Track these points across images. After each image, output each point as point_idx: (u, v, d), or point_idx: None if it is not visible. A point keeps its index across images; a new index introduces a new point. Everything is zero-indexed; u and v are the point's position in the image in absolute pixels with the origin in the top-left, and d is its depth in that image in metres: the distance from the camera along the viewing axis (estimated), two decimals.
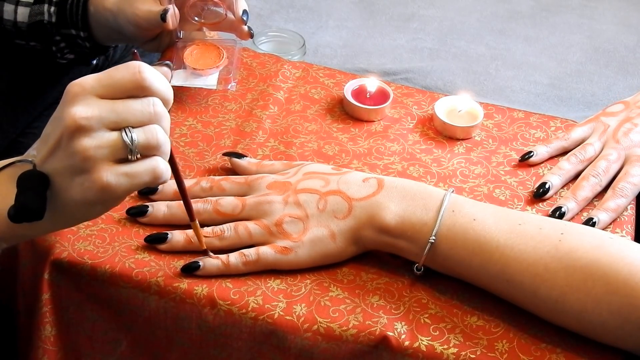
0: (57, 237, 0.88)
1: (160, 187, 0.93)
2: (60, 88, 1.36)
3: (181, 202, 0.91)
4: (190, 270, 0.86)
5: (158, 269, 0.86)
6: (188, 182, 0.93)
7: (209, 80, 1.06)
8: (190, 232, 0.88)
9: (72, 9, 1.09)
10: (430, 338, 0.82)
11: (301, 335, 0.83)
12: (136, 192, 0.93)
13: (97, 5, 1.09)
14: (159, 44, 1.13)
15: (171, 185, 0.93)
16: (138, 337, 0.89)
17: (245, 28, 1.09)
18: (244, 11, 1.09)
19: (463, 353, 0.81)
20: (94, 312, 0.88)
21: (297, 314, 0.84)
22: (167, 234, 0.88)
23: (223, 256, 0.87)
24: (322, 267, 0.88)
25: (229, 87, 1.07)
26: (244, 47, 1.14)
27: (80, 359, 0.90)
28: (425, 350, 0.81)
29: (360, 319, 0.83)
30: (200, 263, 0.86)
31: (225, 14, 1.09)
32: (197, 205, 0.90)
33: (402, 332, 0.82)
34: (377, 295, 0.86)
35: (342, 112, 1.08)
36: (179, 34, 1.10)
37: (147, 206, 0.91)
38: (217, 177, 0.94)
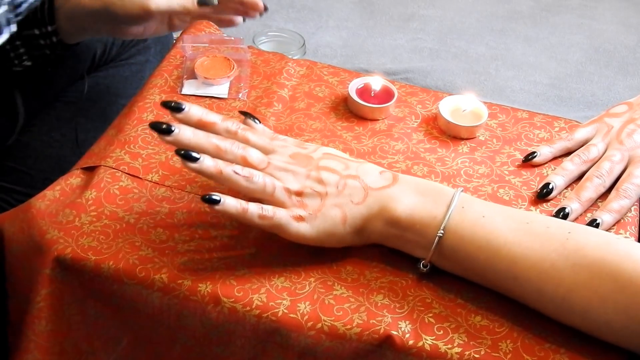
0: (61, 232, 0.88)
1: (186, 107, 0.88)
2: (57, 86, 1.37)
3: (209, 134, 0.87)
4: (210, 202, 0.83)
5: (162, 265, 0.86)
6: (214, 116, 0.89)
7: (220, 90, 1.08)
8: (222, 162, 0.84)
9: (37, 7, 1.10)
10: (434, 337, 0.82)
11: (305, 333, 0.83)
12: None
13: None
14: (143, 31, 1.14)
15: (197, 112, 0.88)
16: (140, 334, 0.88)
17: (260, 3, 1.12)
18: None
19: (467, 353, 0.81)
20: (96, 310, 0.88)
21: (301, 312, 0.83)
22: (199, 155, 0.84)
23: (243, 201, 0.84)
24: (326, 265, 0.88)
25: (239, 96, 1.07)
26: (248, 46, 1.14)
27: (81, 356, 0.90)
28: (429, 349, 0.81)
29: (364, 317, 0.83)
30: (221, 198, 0.84)
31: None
32: (225, 143, 0.87)
33: (406, 331, 0.82)
34: (381, 294, 0.86)
35: (347, 110, 1.08)
36: (187, 51, 1.10)
37: (173, 125, 0.85)
38: (243, 125, 0.91)
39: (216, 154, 0.86)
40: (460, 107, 1.06)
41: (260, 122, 0.94)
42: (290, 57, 1.17)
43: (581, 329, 0.82)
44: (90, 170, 0.97)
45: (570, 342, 0.82)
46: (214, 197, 0.83)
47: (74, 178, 0.96)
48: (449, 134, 1.05)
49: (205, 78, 1.07)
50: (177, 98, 1.05)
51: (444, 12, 1.59)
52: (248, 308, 0.84)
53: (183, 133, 0.85)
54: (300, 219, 0.86)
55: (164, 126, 0.85)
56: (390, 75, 1.37)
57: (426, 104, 1.10)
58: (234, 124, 0.89)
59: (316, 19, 1.54)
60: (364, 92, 1.08)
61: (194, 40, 1.12)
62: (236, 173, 0.85)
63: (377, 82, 1.08)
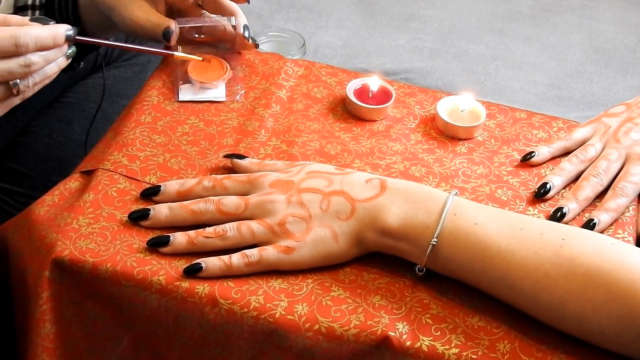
0: (59, 234, 0.88)
1: (162, 187, 0.93)
2: (59, 87, 1.37)
3: (183, 202, 0.91)
4: (192, 272, 0.85)
5: (160, 267, 0.86)
6: (190, 182, 0.93)
7: (218, 93, 1.07)
8: (192, 233, 0.88)
9: (61, 7, 1.08)
10: (431, 338, 0.82)
11: (302, 334, 0.83)
12: (139, 194, 0.94)
13: None
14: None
15: (174, 186, 0.93)
16: (139, 335, 0.88)
17: (250, 40, 1.10)
18: (245, 26, 1.10)
19: (464, 353, 0.81)
20: (95, 311, 0.88)
21: (298, 313, 0.84)
22: (169, 236, 0.88)
23: (225, 257, 0.86)
24: (323, 267, 0.88)
25: (237, 98, 1.07)
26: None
27: (82, 356, 0.90)
28: (426, 350, 0.81)
29: (362, 318, 0.83)
30: (203, 265, 0.86)
31: (224, 28, 1.09)
32: (199, 205, 0.90)
33: (404, 332, 0.82)
34: (379, 295, 0.86)
35: (345, 111, 1.08)
36: (178, 49, 1.10)
37: (149, 209, 0.91)
38: (219, 176, 0.94)
39: (195, 219, 0.90)
40: (458, 108, 1.06)
41: (245, 157, 0.97)
42: (290, 57, 1.17)
43: (576, 336, 0.82)
44: (89, 173, 0.97)
45: (568, 343, 0.82)
46: (195, 266, 0.86)
47: (72, 182, 0.96)
48: (447, 135, 1.05)
49: (201, 82, 1.07)
50: (175, 103, 1.06)
51: (444, 12, 1.59)
52: (245, 309, 0.84)
53: (159, 212, 0.90)
54: (289, 250, 0.86)
55: (140, 212, 0.90)
56: (390, 75, 1.37)
57: (424, 105, 1.09)
58: (209, 181, 0.93)
59: (316, 19, 1.54)
60: (361, 93, 1.07)
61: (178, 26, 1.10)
62: (207, 237, 0.88)
63: (374, 83, 1.08)
